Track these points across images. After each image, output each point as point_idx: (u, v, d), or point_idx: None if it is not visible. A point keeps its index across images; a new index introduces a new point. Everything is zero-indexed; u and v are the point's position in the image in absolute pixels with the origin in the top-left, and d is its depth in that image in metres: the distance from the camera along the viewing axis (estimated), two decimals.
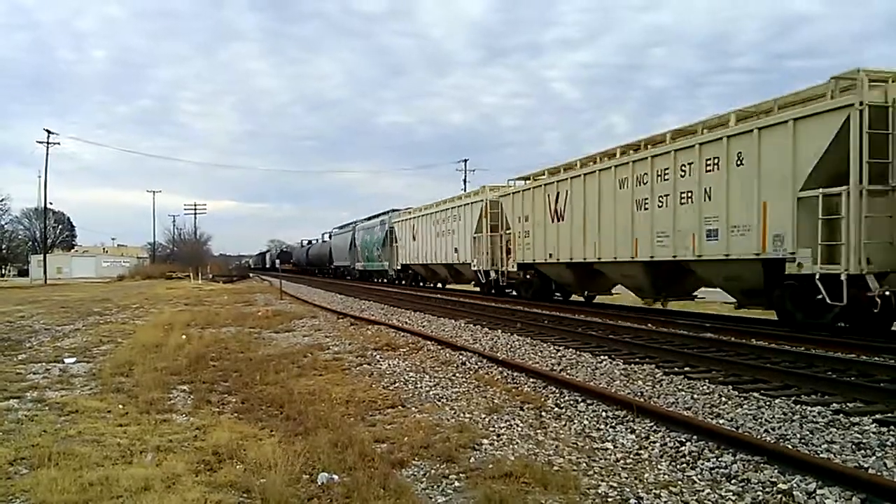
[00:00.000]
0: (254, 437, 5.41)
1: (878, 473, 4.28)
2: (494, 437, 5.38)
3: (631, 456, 4.87)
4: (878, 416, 5.68)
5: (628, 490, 4.14)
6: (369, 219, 42.89)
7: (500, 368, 8.44)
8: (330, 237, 57.42)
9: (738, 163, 11.59)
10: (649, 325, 12.89)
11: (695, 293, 15.57)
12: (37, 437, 5.40)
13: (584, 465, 4.69)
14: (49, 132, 53.64)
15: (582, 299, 19.51)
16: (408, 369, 8.67)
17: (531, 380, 7.67)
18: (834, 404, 6.21)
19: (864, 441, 4.98)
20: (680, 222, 13.07)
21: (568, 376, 7.91)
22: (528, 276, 20.86)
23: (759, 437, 5.20)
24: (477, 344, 11.00)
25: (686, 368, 8.28)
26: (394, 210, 37.86)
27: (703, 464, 4.59)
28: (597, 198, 16.02)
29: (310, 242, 72.44)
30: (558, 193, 17.98)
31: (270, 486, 4.08)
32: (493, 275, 23.20)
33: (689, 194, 12.79)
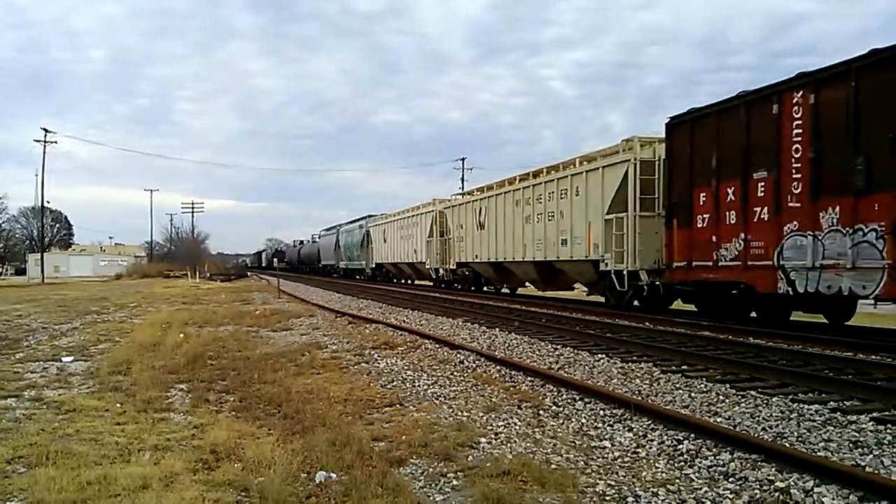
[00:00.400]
0: (252, 436, 5.40)
1: (875, 471, 4.30)
2: (492, 436, 5.39)
3: (629, 454, 4.88)
4: (875, 414, 5.71)
5: (626, 488, 4.14)
6: (351, 223, 48.09)
7: (497, 367, 8.45)
8: (319, 238, 61.99)
9: (576, 193, 17.04)
10: (647, 323, 12.91)
11: (573, 286, 20.00)
12: (34, 435, 5.39)
13: (582, 463, 4.70)
14: (46, 131, 53.64)
15: (541, 292, 22.70)
16: (406, 368, 8.67)
17: (529, 378, 7.68)
18: (831, 402, 6.24)
19: (862, 439, 5.00)
20: (547, 233, 18.56)
21: (566, 375, 7.92)
22: (465, 273, 26.29)
23: (756, 435, 5.21)
24: (475, 342, 11.01)
25: (683, 367, 8.30)
26: (370, 215, 43.25)
27: (700, 462, 4.60)
28: (503, 214, 21.58)
29: (301, 243, 76.99)
30: (481, 209, 23.49)
31: (268, 485, 4.08)
32: (441, 272, 28.50)
33: (552, 214, 18.31)
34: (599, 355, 9.25)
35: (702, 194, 12.42)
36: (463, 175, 62.21)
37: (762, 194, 11.08)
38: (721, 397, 6.62)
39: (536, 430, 5.59)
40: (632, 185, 14.49)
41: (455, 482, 4.35)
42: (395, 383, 7.69)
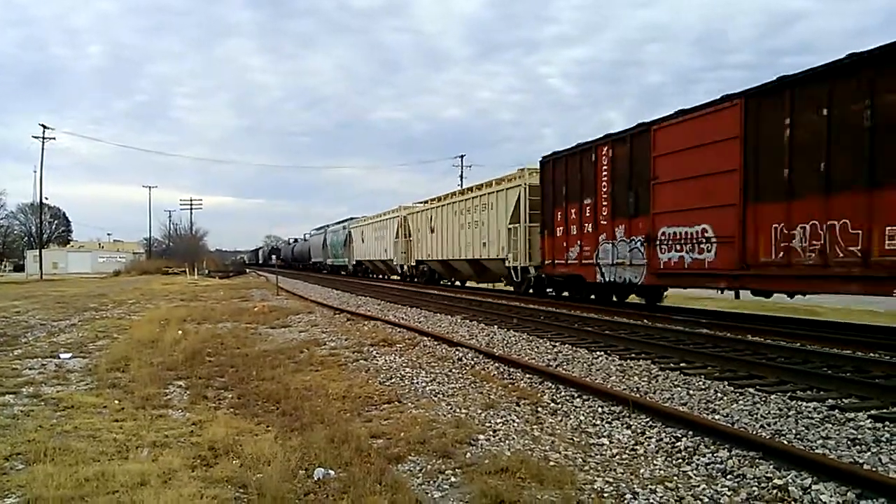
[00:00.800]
0: (250, 433, 5.40)
1: (873, 469, 4.30)
2: (491, 433, 5.39)
3: (627, 451, 4.88)
4: (873, 411, 5.71)
5: (624, 485, 4.15)
6: (337, 224, 52.39)
7: (496, 364, 8.45)
8: (310, 237, 66.46)
9: (491, 208, 22.00)
10: (645, 320, 12.92)
11: (500, 279, 24.18)
12: (32, 432, 5.39)
13: (580, 460, 4.70)
14: (45, 127, 53.54)
15: (476, 284, 28.46)
16: (404, 365, 8.67)
17: (527, 375, 7.68)
18: (829, 400, 6.24)
19: (860, 436, 5.00)
20: (475, 238, 23.44)
21: (564, 372, 7.92)
22: (423, 269, 30.90)
23: (754, 432, 5.21)
24: (473, 340, 11.01)
25: (682, 364, 8.30)
26: (352, 218, 47.54)
27: (698, 459, 4.60)
28: (448, 221, 26.40)
29: (295, 241, 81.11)
30: (432, 216, 28.57)
31: (267, 482, 4.08)
32: (405, 267, 33.25)
33: (477, 222, 23.25)
34: (598, 352, 9.25)
35: (558, 212, 17.43)
36: (462, 172, 62.27)
37: (588, 214, 16.07)
38: (719, 395, 6.62)
39: (535, 427, 5.59)
40: (523, 203, 19.65)
41: (453, 479, 4.35)
42: (393, 380, 7.69)
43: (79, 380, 7.99)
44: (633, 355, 8.98)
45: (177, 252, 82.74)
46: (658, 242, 13.43)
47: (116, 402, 6.64)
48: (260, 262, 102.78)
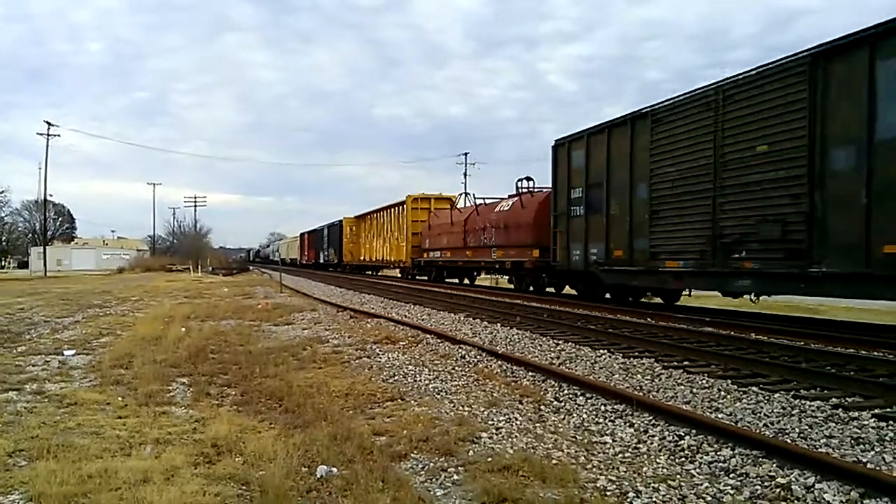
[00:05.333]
0: (253, 430, 5.41)
1: (877, 468, 4.29)
2: (493, 431, 5.39)
3: (630, 450, 4.87)
4: (876, 410, 5.69)
5: (627, 484, 4.14)
6: (279, 240, 67.64)
7: (499, 362, 8.44)
8: (269, 244, 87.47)
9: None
10: (648, 319, 12.90)
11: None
12: (36, 429, 5.40)
13: (583, 458, 4.69)
14: (49, 124, 53.41)
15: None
16: (407, 362, 8.67)
17: (530, 373, 7.67)
18: (833, 399, 6.22)
19: (863, 435, 4.99)
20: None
21: (567, 370, 7.91)
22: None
23: (757, 431, 5.20)
24: (476, 337, 11.00)
25: (685, 363, 8.28)
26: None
27: (701, 458, 4.59)
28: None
29: (267, 245, 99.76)
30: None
31: (269, 479, 4.08)
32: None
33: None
34: (601, 351, 9.24)
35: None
36: (466, 170, 62.40)
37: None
38: (722, 393, 6.61)
39: (538, 425, 5.59)
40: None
41: (456, 477, 4.34)
42: (396, 378, 7.69)
43: (82, 376, 8.00)
44: (636, 354, 8.97)
45: (181, 249, 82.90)
46: None
47: (119, 398, 6.65)
48: (251, 260, 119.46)
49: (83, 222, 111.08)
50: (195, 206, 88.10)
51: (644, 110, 13.76)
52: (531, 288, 20.82)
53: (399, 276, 37.23)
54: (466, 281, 29.23)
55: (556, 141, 17.60)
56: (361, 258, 42.76)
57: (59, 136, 60.45)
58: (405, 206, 32.77)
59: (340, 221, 47.36)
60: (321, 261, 56.33)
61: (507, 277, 24.43)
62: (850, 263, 9.34)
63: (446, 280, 29.63)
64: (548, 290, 20.33)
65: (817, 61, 9.81)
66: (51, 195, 70.51)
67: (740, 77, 11.28)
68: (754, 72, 10.96)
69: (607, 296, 17.03)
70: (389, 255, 35.69)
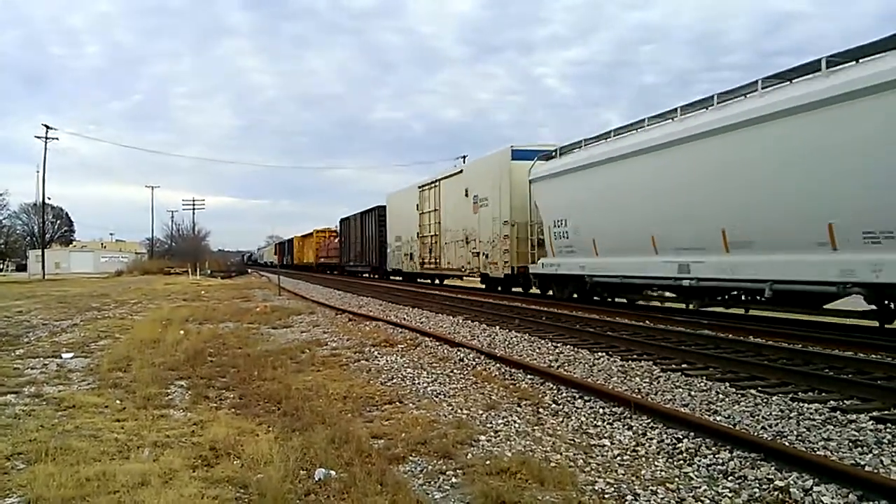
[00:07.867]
0: (251, 433, 5.40)
1: (875, 471, 4.29)
2: (492, 434, 5.39)
3: (628, 452, 4.87)
4: (874, 413, 5.69)
5: (625, 486, 4.14)
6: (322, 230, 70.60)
7: (497, 365, 8.44)
8: (260, 249, 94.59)
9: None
10: (647, 321, 12.91)
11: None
12: (34, 432, 5.40)
13: (581, 461, 4.69)
14: (48, 127, 53.40)
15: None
16: (405, 365, 8.67)
17: (529, 376, 7.68)
18: (831, 401, 6.22)
19: (861, 438, 4.99)
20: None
21: (565, 373, 7.92)
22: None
23: (756, 433, 5.20)
24: (475, 340, 11.00)
25: (683, 365, 8.29)
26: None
27: (700, 461, 4.60)
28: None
29: (259, 250, 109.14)
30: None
31: (267, 482, 4.08)
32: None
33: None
34: (599, 353, 9.24)
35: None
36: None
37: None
38: (721, 396, 6.61)
39: (536, 427, 5.59)
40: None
41: (454, 480, 4.35)
42: (394, 381, 7.68)
43: (80, 379, 8.00)
44: (634, 356, 8.97)
45: (179, 252, 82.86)
46: None
47: (118, 401, 6.65)
48: (246, 263, 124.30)
49: (81, 225, 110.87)
50: (193, 208, 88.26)
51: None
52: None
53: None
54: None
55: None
56: (303, 261, 65.01)
57: (57, 139, 60.64)
58: (312, 237, 60.77)
59: (292, 238, 75.83)
60: (284, 263, 75.17)
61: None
62: None
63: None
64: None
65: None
66: (49, 198, 70.45)
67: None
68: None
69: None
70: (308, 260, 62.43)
